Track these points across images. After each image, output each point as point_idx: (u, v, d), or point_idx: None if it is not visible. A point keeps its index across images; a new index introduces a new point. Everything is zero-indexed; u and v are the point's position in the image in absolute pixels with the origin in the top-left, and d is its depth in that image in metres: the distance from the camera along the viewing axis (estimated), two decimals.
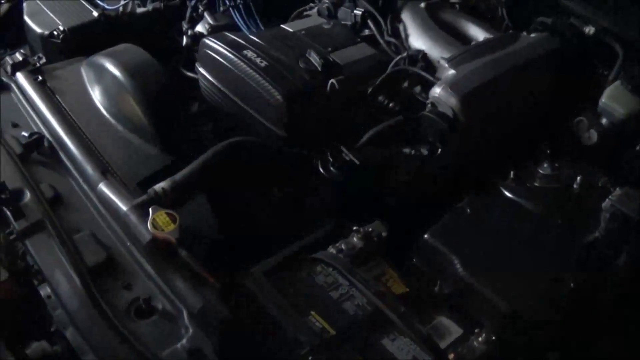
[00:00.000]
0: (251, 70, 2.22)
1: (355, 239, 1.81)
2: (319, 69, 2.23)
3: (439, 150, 2.12)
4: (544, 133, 2.26)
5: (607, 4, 2.52)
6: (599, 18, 2.48)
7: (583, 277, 1.80)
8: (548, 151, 2.11)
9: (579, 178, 2.02)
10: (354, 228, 1.84)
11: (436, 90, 2.13)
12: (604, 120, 2.22)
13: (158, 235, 1.74)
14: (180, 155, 2.14)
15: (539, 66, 2.35)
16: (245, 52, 2.29)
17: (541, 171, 2.08)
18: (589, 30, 2.46)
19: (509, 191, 2.03)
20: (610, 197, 1.85)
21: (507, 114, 2.27)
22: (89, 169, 2.07)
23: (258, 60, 2.25)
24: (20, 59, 2.52)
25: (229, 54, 2.30)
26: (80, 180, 2.08)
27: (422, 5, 2.61)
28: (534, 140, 2.21)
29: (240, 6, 2.75)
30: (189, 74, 2.66)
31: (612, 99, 2.20)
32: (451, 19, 2.63)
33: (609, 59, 2.40)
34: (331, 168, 2.03)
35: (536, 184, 2.06)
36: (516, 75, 2.28)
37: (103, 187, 1.98)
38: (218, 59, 2.34)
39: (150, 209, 1.78)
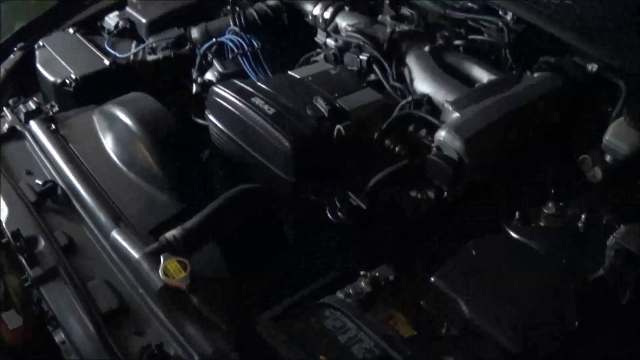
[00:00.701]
0: (259, 118, 2.25)
1: (362, 283, 1.82)
2: (326, 115, 2.25)
3: (445, 193, 2.13)
4: (549, 172, 2.25)
5: (610, 41, 2.52)
6: (602, 55, 2.46)
7: (589, 314, 1.78)
8: (552, 190, 2.11)
9: (583, 216, 2.01)
10: (362, 273, 1.85)
11: (441, 134, 2.14)
12: (608, 158, 2.18)
13: (169, 283, 1.77)
14: (192, 202, 2.16)
15: (543, 105, 2.34)
16: (253, 99, 2.32)
17: (546, 211, 2.06)
18: (592, 67, 2.44)
19: (515, 232, 2.02)
20: (614, 234, 1.85)
21: (512, 154, 2.26)
22: (101, 216, 2.10)
23: (266, 107, 2.27)
24: (34, 107, 2.57)
25: (237, 102, 2.33)
26: (94, 228, 2.12)
27: (427, 49, 2.61)
28: (539, 179, 2.21)
29: (248, 54, 2.79)
30: (200, 120, 2.68)
31: (616, 136, 2.17)
32: (455, 61, 2.63)
33: (613, 96, 2.38)
34: (339, 213, 2.05)
35: (541, 224, 2.05)
36: (520, 116, 2.28)
37: (116, 234, 2.02)
38: (227, 107, 2.37)
39: (161, 257, 1.81)
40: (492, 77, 2.49)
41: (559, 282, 1.85)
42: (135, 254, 1.92)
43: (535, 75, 2.47)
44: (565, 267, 1.89)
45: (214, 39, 2.87)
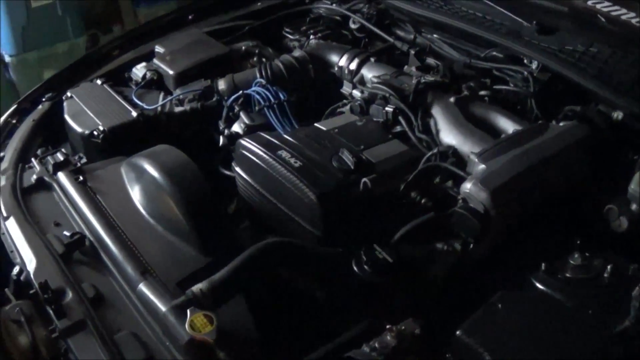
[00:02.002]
0: (285, 171, 2.26)
1: (388, 337, 1.80)
2: (352, 167, 2.26)
3: (471, 245, 2.13)
4: (575, 222, 2.24)
5: (635, 89, 2.53)
6: (627, 103, 2.48)
7: None
8: (578, 241, 2.07)
9: (609, 267, 1.99)
10: (387, 326, 1.83)
11: (467, 186, 2.14)
12: (633, 207, 2.17)
13: (196, 337, 1.77)
14: (218, 255, 2.16)
15: (569, 155, 2.34)
16: (279, 152, 2.33)
17: (572, 262, 2.04)
18: (617, 115, 2.46)
19: (541, 283, 2.00)
20: None
21: (539, 205, 2.25)
22: (129, 269, 2.11)
23: (292, 160, 2.29)
24: (62, 158, 2.62)
25: (264, 155, 2.35)
26: (121, 280, 2.13)
27: (452, 99, 2.62)
28: (565, 229, 2.19)
29: (275, 106, 2.79)
30: (227, 172, 2.69)
31: None
32: (481, 112, 2.63)
33: (639, 144, 2.40)
34: (365, 266, 2.04)
35: (567, 275, 2.02)
36: (546, 166, 2.27)
37: (143, 287, 2.03)
38: (254, 160, 2.39)
39: (188, 311, 1.81)
40: (518, 127, 2.49)
41: (585, 335, 1.83)
42: (162, 307, 1.93)
43: (561, 124, 2.46)
44: (592, 319, 1.87)
45: (240, 91, 2.88)
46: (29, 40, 5.99)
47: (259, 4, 3.81)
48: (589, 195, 2.28)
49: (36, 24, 5.93)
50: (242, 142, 2.47)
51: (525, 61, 2.80)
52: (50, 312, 1.98)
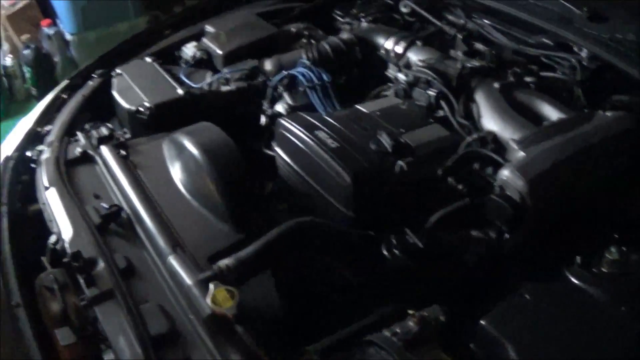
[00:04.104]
0: (322, 151, 2.27)
1: (411, 322, 1.79)
2: (389, 150, 2.25)
3: (506, 234, 2.11)
4: (614, 216, 2.21)
5: None
6: None
7: None
8: (616, 235, 2.05)
9: None
10: (410, 312, 1.82)
11: (504, 173, 2.12)
12: None
13: (216, 311, 1.79)
14: (251, 233, 2.16)
15: (612, 146, 2.31)
16: (317, 132, 2.34)
17: (608, 256, 1.98)
18: None
19: (574, 277, 1.96)
20: None
21: (578, 196, 2.23)
22: (161, 242, 2.14)
23: (329, 141, 2.29)
24: (106, 133, 2.65)
25: (302, 135, 2.36)
26: (153, 253, 2.15)
27: (496, 85, 2.60)
28: (603, 223, 2.16)
29: (318, 87, 2.80)
30: (268, 152, 2.70)
31: None
32: (525, 99, 2.61)
33: None
34: (395, 250, 2.05)
35: (603, 270, 1.98)
36: (588, 156, 2.25)
37: (172, 260, 2.06)
38: (292, 139, 2.40)
39: (211, 285, 1.83)
40: (562, 116, 2.47)
41: (615, 332, 1.81)
42: (188, 280, 1.95)
43: (607, 114, 2.43)
44: (624, 316, 1.83)
45: (284, 72, 2.89)
46: (90, 19, 6.08)
47: None
48: (631, 188, 2.24)
49: (97, 3, 6.04)
50: (282, 121, 2.48)
51: (574, 49, 2.78)
52: (81, 281, 2.00)
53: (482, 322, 1.82)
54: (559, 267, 2.00)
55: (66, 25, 6.17)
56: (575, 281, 1.95)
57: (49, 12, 6.38)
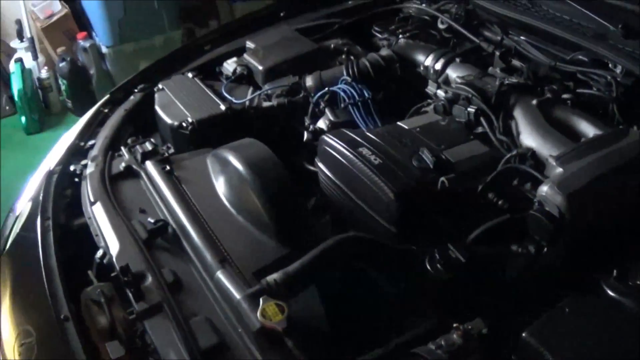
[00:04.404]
0: (365, 167, 2.30)
1: (455, 335, 1.82)
2: (431, 166, 2.29)
3: (545, 249, 2.13)
4: None
5: None
6: None
7: None
8: None
9: None
10: (454, 325, 1.85)
11: (543, 189, 2.13)
12: None
13: (266, 325, 1.83)
14: (297, 247, 2.20)
15: None
16: (360, 149, 2.37)
17: None
18: None
19: (612, 289, 1.99)
20: None
21: (616, 211, 2.23)
22: (208, 257, 2.18)
23: (372, 157, 2.32)
24: (150, 148, 2.69)
25: (345, 151, 2.39)
26: (200, 267, 2.20)
27: (534, 102, 2.63)
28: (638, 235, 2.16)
29: (359, 104, 2.83)
30: (310, 167, 2.73)
31: None
32: (563, 115, 2.63)
33: None
34: (437, 265, 2.07)
35: (639, 282, 2.00)
36: (625, 172, 2.25)
37: (220, 275, 2.09)
38: (335, 155, 2.43)
39: (260, 299, 1.87)
40: (599, 132, 2.49)
41: None
42: (237, 295, 1.98)
43: None
44: None
45: (326, 88, 2.92)
46: (125, 32, 6.16)
47: (350, 2, 3.85)
48: None
49: (132, 16, 6.12)
50: (325, 138, 2.51)
51: (609, 65, 2.79)
52: (130, 294, 2.06)
53: (523, 334, 1.84)
54: (597, 280, 2.02)
55: (102, 38, 6.25)
56: (612, 294, 1.98)
57: (84, 25, 6.48)
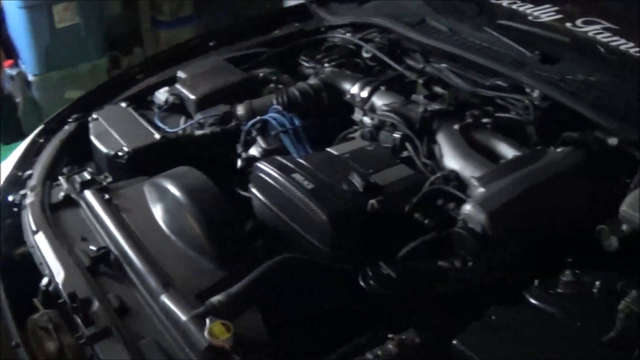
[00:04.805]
0: (299, 192, 2.39)
1: (390, 345, 1.93)
2: (361, 190, 2.39)
3: (470, 263, 2.24)
4: (569, 242, 2.30)
5: (630, 116, 2.62)
6: (622, 130, 2.56)
7: None
8: (569, 259, 2.16)
9: (597, 283, 2.08)
10: (389, 336, 1.96)
11: (466, 208, 2.26)
12: (624, 227, 2.25)
13: (214, 343, 1.93)
14: (236, 270, 2.29)
15: (565, 179, 2.45)
16: (293, 175, 2.46)
17: (563, 278, 2.12)
18: (612, 141, 2.54)
19: (534, 298, 2.09)
20: (626, 298, 1.92)
21: (535, 226, 2.35)
22: (152, 281, 2.25)
23: (305, 182, 2.42)
24: (88, 177, 2.74)
25: (279, 177, 2.48)
26: (144, 292, 2.26)
27: (456, 127, 2.74)
28: (560, 249, 2.25)
29: (290, 131, 2.93)
30: (244, 193, 2.80)
31: (632, 207, 2.24)
32: (483, 138, 2.75)
33: (632, 168, 2.47)
34: (370, 281, 2.17)
35: (559, 290, 2.11)
36: (543, 189, 2.38)
37: (165, 298, 2.17)
38: (269, 182, 2.52)
39: (207, 319, 1.97)
40: (517, 153, 2.61)
41: (574, 346, 1.94)
42: (182, 316, 2.07)
43: (559, 150, 2.57)
44: (581, 331, 1.97)
45: (257, 117, 3.01)
46: (52, 60, 6.14)
47: (276, 32, 3.91)
48: (586, 217, 2.36)
49: (60, 44, 6.11)
50: (259, 165, 2.60)
51: (527, 90, 2.89)
52: (78, 320, 2.11)
53: (454, 342, 1.94)
54: (520, 290, 2.13)
55: (28, 66, 6.24)
56: (534, 302, 2.09)
57: (11, 53, 6.44)
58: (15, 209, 2.79)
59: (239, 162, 2.97)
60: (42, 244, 2.51)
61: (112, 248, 2.44)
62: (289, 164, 2.55)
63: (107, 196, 2.66)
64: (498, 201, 2.28)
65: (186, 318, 2.05)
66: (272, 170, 2.53)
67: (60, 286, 2.29)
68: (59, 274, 2.34)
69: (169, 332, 2.12)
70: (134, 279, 2.33)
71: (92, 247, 2.43)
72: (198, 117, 3.15)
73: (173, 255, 2.44)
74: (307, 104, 3.11)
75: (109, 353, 2.05)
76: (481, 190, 2.36)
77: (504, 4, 3.46)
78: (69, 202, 2.72)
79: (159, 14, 6.88)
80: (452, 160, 2.64)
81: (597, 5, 3.24)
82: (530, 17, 3.31)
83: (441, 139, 2.73)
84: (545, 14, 3.29)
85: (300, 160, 2.58)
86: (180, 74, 3.42)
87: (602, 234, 2.28)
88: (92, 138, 3.10)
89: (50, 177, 2.90)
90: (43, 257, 2.46)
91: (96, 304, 2.18)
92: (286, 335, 2.23)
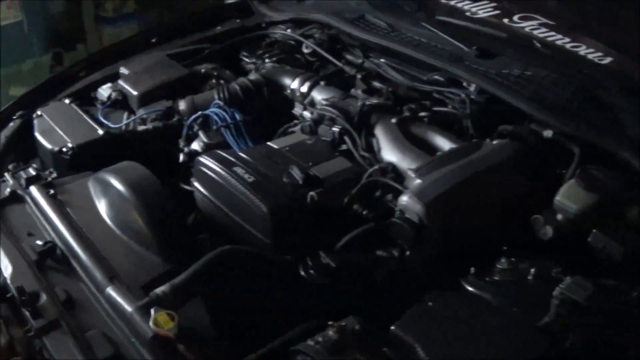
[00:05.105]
0: (240, 185, 2.44)
1: (330, 332, 1.96)
2: (300, 182, 2.45)
3: (407, 252, 2.31)
4: (506, 231, 2.41)
5: (564, 109, 2.70)
6: (557, 122, 2.64)
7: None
8: (504, 248, 2.26)
9: (532, 270, 2.16)
10: (329, 323, 2.00)
11: (403, 199, 2.32)
12: (559, 217, 2.33)
13: (159, 332, 1.98)
14: (179, 262, 2.34)
15: (500, 170, 2.52)
16: (234, 168, 2.51)
17: (499, 266, 2.21)
18: (547, 133, 2.62)
19: (470, 285, 2.17)
20: (560, 285, 1.99)
21: (471, 216, 2.42)
22: (97, 274, 2.29)
23: (246, 176, 2.47)
24: (34, 173, 2.76)
25: (220, 171, 2.53)
26: (90, 284, 2.30)
27: (393, 120, 2.80)
28: (497, 237, 2.36)
29: (231, 126, 2.98)
30: (186, 187, 2.84)
31: (567, 197, 2.33)
32: (420, 132, 2.81)
33: (567, 159, 2.55)
34: (311, 271, 2.24)
35: (495, 278, 2.20)
36: (478, 180, 2.45)
37: (110, 290, 2.21)
38: (211, 175, 2.57)
39: (152, 310, 2.02)
40: (454, 146, 2.68)
41: (509, 330, 2.00)
42: (128, 308, 2.11)
43: (494, 142, 2.65)
44: (516, 316, 2.04)
45: (199, 112, 3.06)
46: None
47: (218, 28, 3.95)
48: (523, 207, 2.43)
49: (3, 41, 6.01)
50: (201, 159, 2.65)
51: (464, 84, 2.97)
52: (27, 313, 2.16)
53: (392, 328, 2.00)
54: (457, 278, 2.21)
55: None
56: (471, 289, 2.17)
57: None
58: None
59: (181, 157, 3.02)
60: None
61: (58, 242, 2.47)
62: (230, 157, 2.60)
63: (52, 191, 2.68)
64: (434, 192, 2.34)
65: (131, 309, 2.10)
66: (214, 164, 2.58)
67: (9, 280, 2.32)
68: (7, 269, 2.37)
69: (115, 323, 2.17)
70: (80, 273, 2.36)
71: (39, 242, 2.46)
72: (141, 112, 3.19)
73: (118, 249, 2.48)
74: (247, 99, 3.15)
75: (57, 345, 2.09)
76: (418, 181, 2.43)
77: (443, 0, 3.53)
78: (15, 198, 2.74)
79: (102, 11, 6.84)
80: (389, 153, 2.70)
81: (534, 1, 3.32)
82: (468, 13, 3.38)
83: (379, 132, 2.79)
84: (483, 10, 3.36)
85: (241, 154, 2.63)
86: (123, 70, 3.46)
87: (537, 223, 2.36)
88: (37, 135, 3.12)
89: None
90: None
91: (44, 298, 2.22)
92: (230, 324, 2.27)
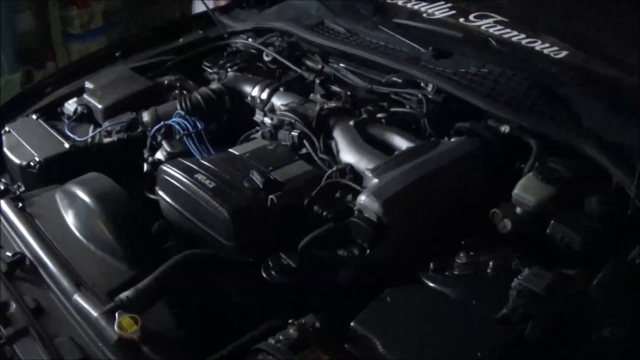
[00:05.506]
0: (201, 192, 2.49)
1: (291, 330, 2.02)
2: (261, 186, 2.49)
3: (367, 251, 2.36)
4: (465, 226, 2.43)
5: (521, 105, 2.76)
6: (514, 118, 2.70)
7: (498, 352, 1.97)
8: (463, 242, 2.29)
9: (491, 263, 2.20)
10: (290, 321, 2.05)
11: (361, 198, 2.36)
12: (518, 210, 2.38)
13: (123, 335, 2.05)
14: (144, 268, 2.37)
15: (458, 166, 2.57)
16: (196, 175, 2.55)
17: (458, 260, 2.25)
18: (505, 129, 2.68)
19: (429, 280, 2.21)
20: (518, 277, 2.02)
21: (430, 212, 2.47)
22: (65, 282, 2.35)
23: (207, 182, 2.51)
24: (2, 187, 2.85)
25: (183, 178, 2.57)
26: (58, 293, 2.36)
27: (351, 123, 2.85)
28: (456, 233, 2.37)
29: (193, 135, 3.05)
30: (151, 196, 2.90)
31: (525, 190, 2.38)
32: (378, 133, 2.87)
33: (524, 154, 2.61)
34: (272, 272, 2.29)
35: (455, 272, 2.24)
36: (436, 177, 2.49)
37: (77, 297, 2.28)
38: (174, 183, 2.61)
39: (116, 314, 2.08)
40: (411, 145, 2.73)
41: (468, 323, 2.05)
42: (94, 313, 2.18)
43: (452, 140, 2.71)
44: (475, 309, 2.08)
45: (162, 122, 3.11)
46: None
47: (180, 40, 4.00)
48: (482, 202, 2.47)
49: None
50: (164, 167, 2.69)
51: (422, 85, 3.03)
52: None
53: (352, 324, 2.05)
54: (417, 273, 2.25)
55: None
56: (430, 283, 2.21)
57: None
58: None
59: (146, 166, 3.06)
60: None
61: (27, 253, 2.52)
62: (191, 165, 2.64)
63: (20, 205, 2.73)
64: (391, 190, 2.39)
65: (97, 314, 2.17)
66: (176, 172, 2.62)
67: None
68: None
69: (82, 328, 2.23)
70: (49, 282, 2.42)
71: (8, 254, 2.51)
72: (106, 125, 3.24)
73: (85, 258, 2.54)
74: (209, 108, 3.21)
75: (27, 352, 2.15)
76: (375, 180, 2.47)
77: (399, 3, 3.62)
78: None
79: (70, 27, 6.87)
80: (347, 155, 2.75)
81: (489, 0, 3.39)
82: (424, 15, 3.47)
83: (337, 134, 2.84)
84: (440, 10, 3.45)
85: (203, 162, 2.68)
86: (88, 84, 3.50)
87: (496, 216, 2.41)
88: (5, 150, 3.17)
89: None
90: None
91: (13, 306, 2.28)
92: (194, 325, 2.33)
